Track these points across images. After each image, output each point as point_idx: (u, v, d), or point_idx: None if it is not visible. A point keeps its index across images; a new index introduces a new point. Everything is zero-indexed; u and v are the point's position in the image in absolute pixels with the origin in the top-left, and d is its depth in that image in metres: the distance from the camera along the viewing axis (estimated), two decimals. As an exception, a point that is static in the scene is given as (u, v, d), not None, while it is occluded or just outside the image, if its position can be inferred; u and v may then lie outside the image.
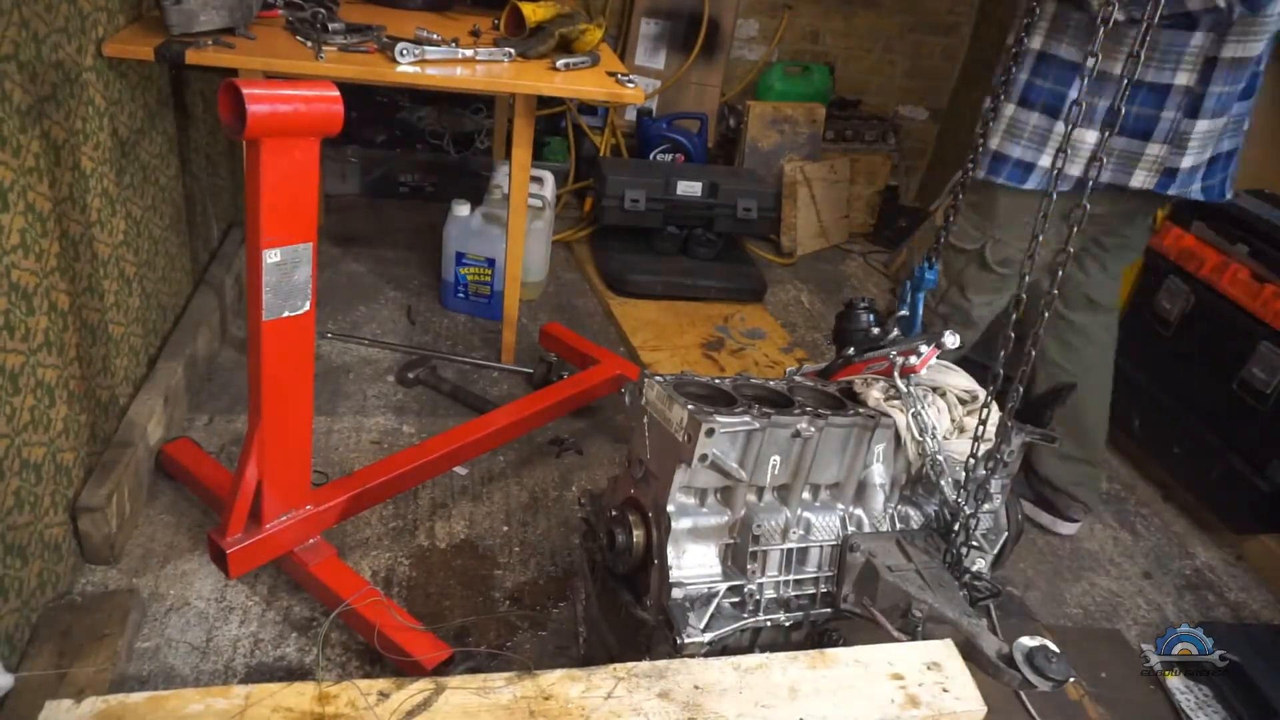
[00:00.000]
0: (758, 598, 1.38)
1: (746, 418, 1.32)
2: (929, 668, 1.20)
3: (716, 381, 1.43)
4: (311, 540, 1.70)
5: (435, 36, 2.12)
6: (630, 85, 2.15)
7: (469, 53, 2.11)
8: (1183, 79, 1.69)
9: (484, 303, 2.87)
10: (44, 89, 1.55)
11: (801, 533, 1.43)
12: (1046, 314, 1.28)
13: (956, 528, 1.45)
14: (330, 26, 2.05)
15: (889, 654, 1.22)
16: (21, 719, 1.35)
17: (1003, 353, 1.35)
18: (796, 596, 1.43)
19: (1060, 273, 1.26)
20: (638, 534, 1.37)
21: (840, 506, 1.48)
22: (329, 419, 2.17)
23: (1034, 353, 1.32)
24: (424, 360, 2.54)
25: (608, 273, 3.19)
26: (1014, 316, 1.34)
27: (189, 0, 1.89)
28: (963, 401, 1.61)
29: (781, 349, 2.95)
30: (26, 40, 1.48)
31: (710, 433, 1.25)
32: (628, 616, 1.40)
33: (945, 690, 1.17)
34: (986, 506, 1.53)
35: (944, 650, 1.23)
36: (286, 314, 1.44)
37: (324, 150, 1.37)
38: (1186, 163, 1.78)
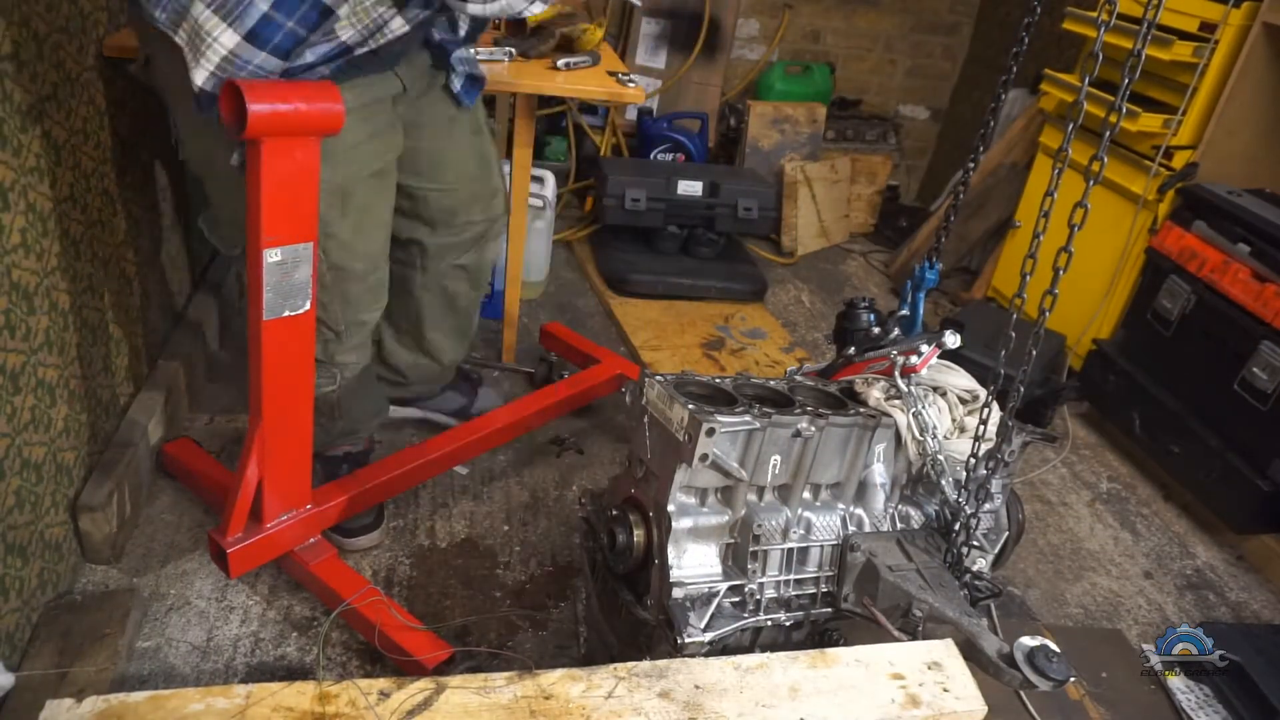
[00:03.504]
0: (758, 597, 1.38)
1: (747, 417, 1.32)
2: (929, 667, 1.20)
3: (717, 381, 1.43)
4: (312, 539, 1.70)
5: (436, 36, 2.12)
6: (631, 85, 2.14)
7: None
8: None
9: (484, 302, 2.86)
10: (45, 88, 1.55)
11: (802, 532, 1.43)
12: None
13: (957, 527, 1.45)
14: (331, 26, 2.04)
15: (890, 654, 1.22)
16: (22, 718, 1.36)
17: (1003, 352, 1.35)
18: (797, 596, 1.43)
19: None
20: (638, 533, 1.37)
21: (841, 506, 1.48)
22: (329, 418, 2.18)
23: (1034, 352, 1.32)
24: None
25: (608, 272, 3.19)
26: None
27: (189, 0, 1.89)
28: (963, 401, 1.61)
29: (782, 349, 2.95)
30: (27, 40, 1.48)
31: (711, 432, 1.25)
32: (628, 616, 1.41)
33: (946, 690, 1.17)
34: (987, 506, 1.54)
35: (945, 650, 1.23)
36: (287, 313, 1.44)
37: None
38: None
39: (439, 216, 1.86)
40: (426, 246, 1.88)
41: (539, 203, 2.83)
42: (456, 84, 1.73)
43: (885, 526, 1.51)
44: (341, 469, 1.89)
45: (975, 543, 1.49)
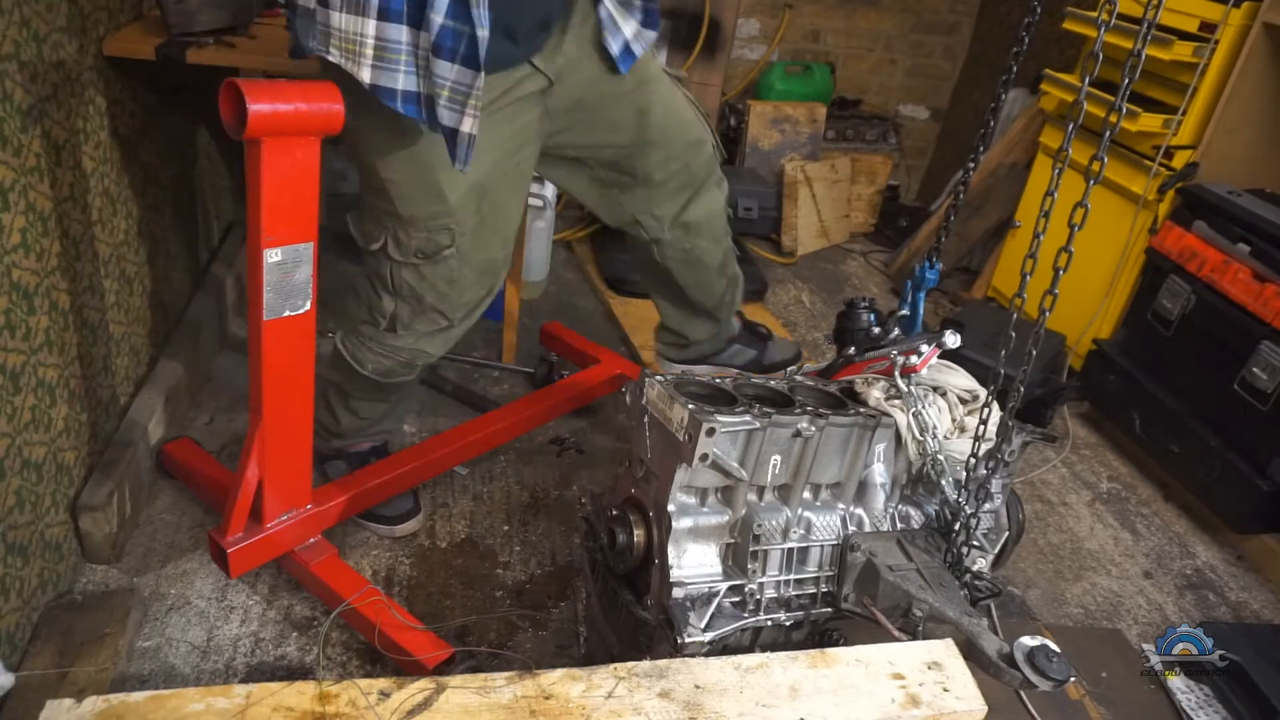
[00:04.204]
0: (758, 597, 1.38)
1: (747, 417, 1.31)
2: (930, 667, 1.20)
3: (717, 381, 1.43)
4: (312, 539, 1.70)
5: (436, 36, 2.12)
6: (631, 85, 2.14)
7: (470, 52, 2.11)
8: None
9: (484, 302, 2.86)
10: (45, 88, 1.55)
11: (802, 532, 1.43)
12: None
13: (957, 527, 1.45)
14: (331, 26, 2.04)
15: (890, 653, 1.22)
16: (22, 718, 1.36)
17: (1003, 352, 1.35)
18: (797, 596, 1.43)
19: None
20: (638, 533, 1.37)
21: (841, 506, 1.48)
22: (330, 418, 2.17)
23: (1034, 352, 1.32)
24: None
25: (609, 272, 3.18)
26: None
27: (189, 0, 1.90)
28: (963, 401, 1.60)
29: (782, 348, 2.94)
30: (27, 40, 1.48)
31: (711, 432, 1.25)
32: (628, 616, 1.40)
33: (946, 690, 1.17)
34: (987, 506, 1.54)
35: (945, 650, 1.23)
36: (287, 313, 1.44)
37: (325, 150, 1.37)
38: None
39: (625, 179, 1.85)
40: (641, 221, 1.92)
41: (539, 203, 2.83)
42: (614, 48, 1.65)
43: (885, 526, 1.51)
44: (369, 461, 1.92)
45: (975, 543, 1.48)
